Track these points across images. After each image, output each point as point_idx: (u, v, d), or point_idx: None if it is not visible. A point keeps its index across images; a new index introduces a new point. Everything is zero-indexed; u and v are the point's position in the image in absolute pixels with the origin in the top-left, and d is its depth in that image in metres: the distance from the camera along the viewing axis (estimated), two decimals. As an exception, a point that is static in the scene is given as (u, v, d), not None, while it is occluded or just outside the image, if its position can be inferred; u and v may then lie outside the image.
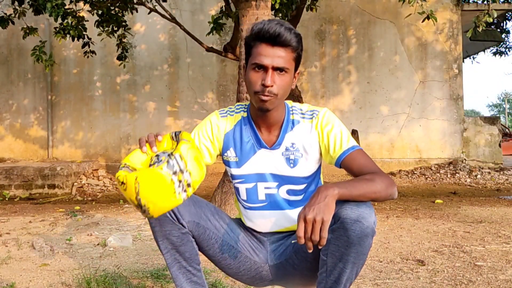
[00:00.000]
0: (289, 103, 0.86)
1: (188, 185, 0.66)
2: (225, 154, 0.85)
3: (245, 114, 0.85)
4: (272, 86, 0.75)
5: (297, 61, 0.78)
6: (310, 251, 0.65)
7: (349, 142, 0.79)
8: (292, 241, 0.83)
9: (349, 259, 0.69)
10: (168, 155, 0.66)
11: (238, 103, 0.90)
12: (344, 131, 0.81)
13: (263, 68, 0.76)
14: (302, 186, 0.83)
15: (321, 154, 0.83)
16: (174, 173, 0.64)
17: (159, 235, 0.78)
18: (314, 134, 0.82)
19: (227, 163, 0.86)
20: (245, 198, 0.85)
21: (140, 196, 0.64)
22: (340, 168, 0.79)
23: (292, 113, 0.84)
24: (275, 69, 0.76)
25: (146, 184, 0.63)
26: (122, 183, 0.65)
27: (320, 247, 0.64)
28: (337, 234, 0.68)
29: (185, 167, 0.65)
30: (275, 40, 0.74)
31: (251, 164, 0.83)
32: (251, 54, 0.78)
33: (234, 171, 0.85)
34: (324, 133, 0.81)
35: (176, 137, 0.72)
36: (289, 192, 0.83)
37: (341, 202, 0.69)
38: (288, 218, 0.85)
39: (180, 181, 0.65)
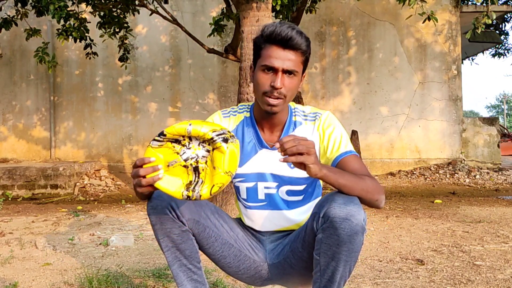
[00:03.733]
0: (292, 105, 0.87)
1: (232, 136, 0.70)
2: None
3: (248, 114, 0.87)
4: (281, 88, 0.77)
5: (305, 64, 0.80)
6: (279, 149, 0.64)
7: (347, 146, 0.81)
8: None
9: (341, 257, 0.70)
10: (201, 142, 0.69)
11: (241, 104, 0.91)
12: (344, 135, 0.82)
13: (273, 70, 0.77)
14: (301, 187, 0.85)
15: (320, 155, 0.84)
16: (225, 140, 0.68)
17: (159, 233, 0.79)
18: (316, 135, 0.84)
19: None
20: (245, 197, 0.87)
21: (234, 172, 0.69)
22: None
23: (295, 115, 0.85)
24: (285, 71, 0.77)
25: (231, 161, 0.68)
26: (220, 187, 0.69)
27: (281, 159, 0.64)
28: (328, 233, 0.69)
29: (228, 135, 0.69)
30: (286, 43, 0.75)
31: (252, 163, 0.84)
32: (260, 55, 0.79)
33: None
34: (325, 134, 0.83)
35: (162, 136, 0.70)
36: (289, 192, 0.84)
37: (330, 199, 0.70)
38: (286, 219, 0.86)
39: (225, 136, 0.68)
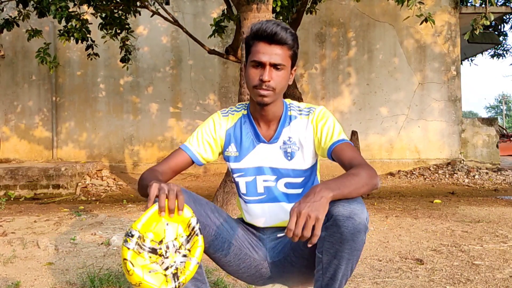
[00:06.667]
0: (288, 101, 0.90)
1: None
2: (227, 150, 0.90)
3: (245, 112, 0.90)
4: (269, 81, 0.80)
5: (293, 58, 0.83)
6: (296, 241, 0.63)
7: (340, 135, 0.83)
8: (280, 235, 0.84)
9: (344, 255, 0.70)
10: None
11: (239, 103, 0.94)
12: (336, 125, 0.85)
13: (261, 64, 0.80)
14: (300, 180, 0.86)
15: (315, 147, 0.87)
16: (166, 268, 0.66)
17: None
18: (310, 128, 0.86)
19: (227, 158, 0.89)
20: (244, 191, 0.88)
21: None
22: (331, 159, 0.83)
23: (290, 110, 0.89)
24: (272, 65, 0.80)
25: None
26: (127, 270, 0.65)
27: (309, 245, 0.64)
28: (331, 232, 0.70)
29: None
30: (272, 39, 0.79)
31: (250, 158, 0.87)
32: (250, 52, 0.82)
33: (234, 165, 0.88)
34: (318, 126, 0.85)
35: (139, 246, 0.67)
36: (287, 185, 0.86)
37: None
38: (285, 212, 0.87)
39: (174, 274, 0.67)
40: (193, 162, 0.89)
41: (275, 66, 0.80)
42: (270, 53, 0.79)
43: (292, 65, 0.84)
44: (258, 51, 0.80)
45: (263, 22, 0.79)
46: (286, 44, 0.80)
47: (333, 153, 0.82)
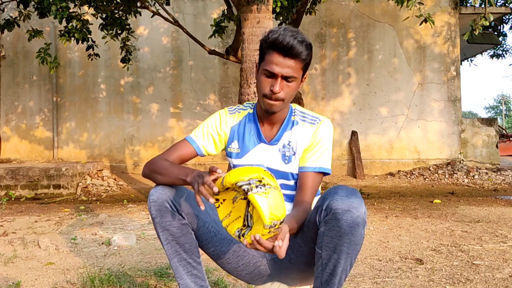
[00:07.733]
0: (293, 105, 0.92)
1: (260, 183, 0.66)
2: (230, 146, 0.92)
3: (251, 111, 0.93)
4: (279, 92, 0.82)
5: (305, 68, 0.85)
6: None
7: (320, 162, 0.86)
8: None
9: (343, 249, 0.72)
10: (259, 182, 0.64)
11: (247, 102, 0.97)
12: (325, 151, 0.88)
13: (273, 75, 0.82)
14: (292, 182, 0.89)
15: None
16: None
17: (159, 226, 0.81)
18: (309, 137, 0.89)
19: (230, 154, 0.91)
20: None
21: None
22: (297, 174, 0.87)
23: (294, 115, 0.91)
24: (284, 77, 0.82)
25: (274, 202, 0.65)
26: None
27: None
28: (330, 226, 0.72)
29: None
30: (287, 52, 0.80)
31: (250, 156, 0.89)
32: (264, 59, 0.84)
33: (236, 161, 0.91)
34: (314, 141, 0.88)
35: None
36: (282, 186, 0.88)
37: (332, 193, 0.74)
38: None
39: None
40: (197, 154, 0.92)
41: (286, 78, 0.82)
42: (283, 66, 0.80)
43: (303, 74, 0.85)
44: (272, 62, 0.81)
45: (281, 32, 0.79)
46: (300, 58, 0.80)
47: (301, 174, 0.86)
